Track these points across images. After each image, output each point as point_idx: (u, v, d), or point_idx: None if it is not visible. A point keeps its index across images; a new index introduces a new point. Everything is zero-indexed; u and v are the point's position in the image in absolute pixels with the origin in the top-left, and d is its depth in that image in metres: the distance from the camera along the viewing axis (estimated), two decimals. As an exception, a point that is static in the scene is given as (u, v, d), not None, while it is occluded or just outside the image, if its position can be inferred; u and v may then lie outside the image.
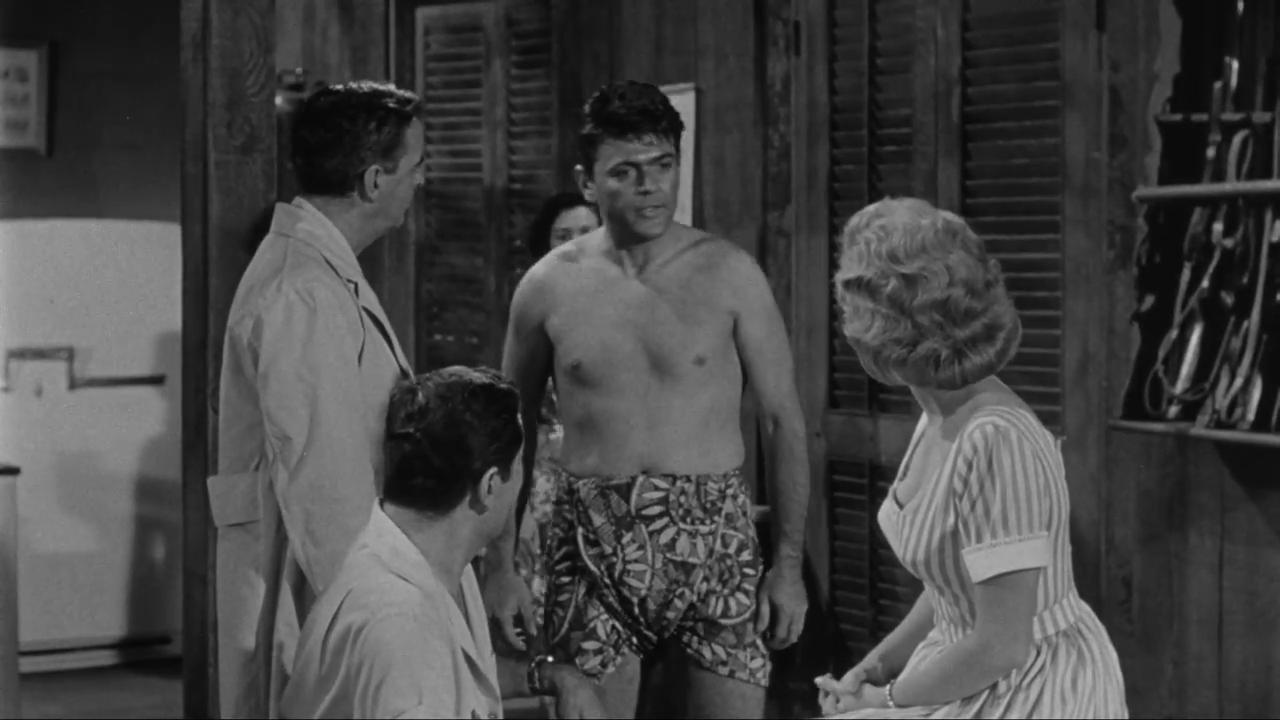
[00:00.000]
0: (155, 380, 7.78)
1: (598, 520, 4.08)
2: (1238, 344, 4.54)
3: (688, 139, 6.00)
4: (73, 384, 7.71)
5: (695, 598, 4.08)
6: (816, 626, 5.23)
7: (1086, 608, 3.33)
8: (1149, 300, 4.75)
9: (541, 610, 4.25)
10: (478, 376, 3.46)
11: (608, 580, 4.09)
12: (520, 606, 4.21)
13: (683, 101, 6.06)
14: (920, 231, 3.22)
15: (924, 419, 3.39)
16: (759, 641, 4.13)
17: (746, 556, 4.13)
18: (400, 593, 3.30)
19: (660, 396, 4.06)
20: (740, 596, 4.11)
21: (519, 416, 3.48)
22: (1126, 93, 4.89)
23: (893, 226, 3.23)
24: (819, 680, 3.59)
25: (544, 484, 5.62)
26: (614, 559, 4.08)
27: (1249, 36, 4.62)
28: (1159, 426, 4.69)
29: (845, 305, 3.28)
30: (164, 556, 7.80)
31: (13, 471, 6.89)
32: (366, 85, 3.69)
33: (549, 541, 4.21)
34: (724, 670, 4.08)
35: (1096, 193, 4.97)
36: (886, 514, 3.38)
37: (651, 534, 4.06)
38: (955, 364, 3.21)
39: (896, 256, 3.20)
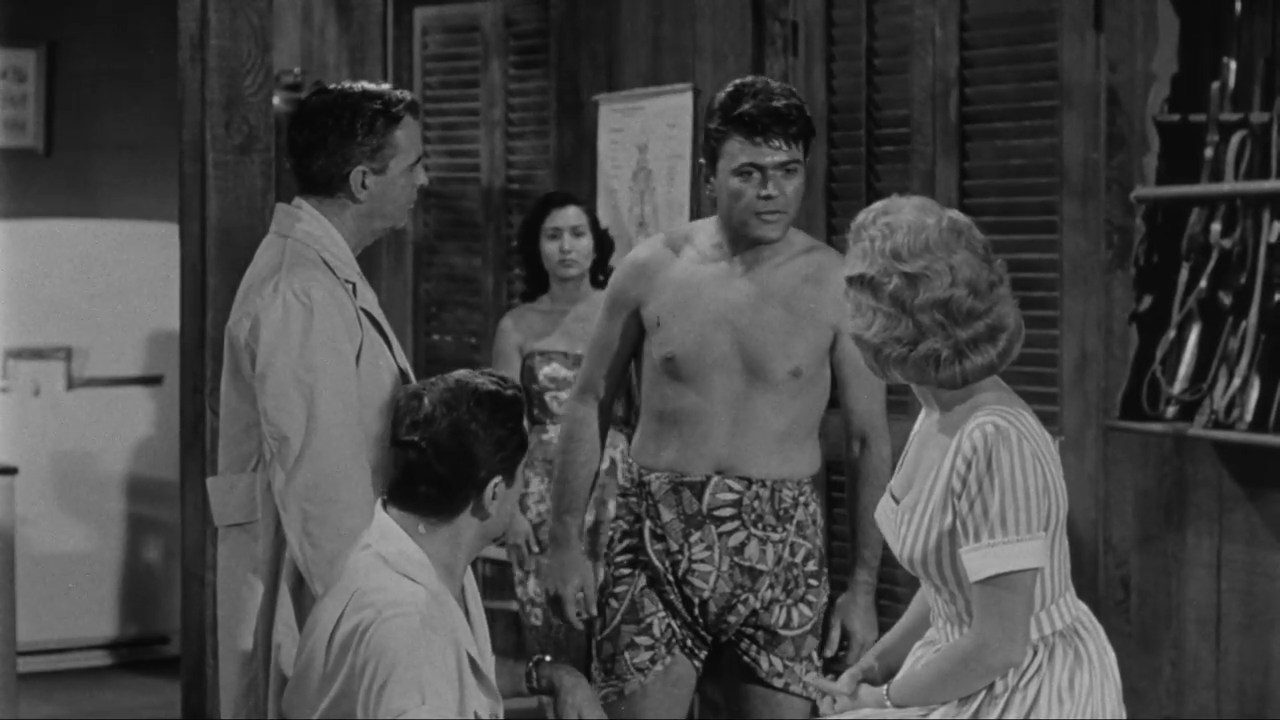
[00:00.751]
0: (153, 380, 7.78)
1: (667, 516, 4.01)
2: (1235, 344, 4.54)
3: (687, 140, 6.02)
4: (70, 384, 7.71)
5: (759, 604, 4.01)
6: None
7: (1084, 608, 3.33)
8: (1147, 300, 4.75)
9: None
10: (483, 382, 3.42)
11: (670, 577, 4.02)
12: (584, 586, 4.14)
13: (680, 102, 6.06)
14: (925, 230, 3.21)
15: (923, 414, 3.39)
16: (814, 654, 4.06)
17: (812, 567, 4.05)
18: (407, 592, 3.30)
19: (749, 401, 3.98)
20: (803, 608, 4.04)
21: (525, 423, 3.45)
22: (1124, 93, 4.89)
23: (898, 224, 3.23)
24: (817, 680, 3.59)
25: (537, 485, 5.61)
26: (679, 556, 4.00)
27: (1247, 37, 4.62)
28: (1157, 427, 4.69)
29: (848, 302, 3.27)
30: (161, 556, 7.80)
31: (10, 471, 6.88)
32: (360, 85, 3.65)
33: (611, 532, 4.14)
34: (779, 683, 4.02)
35: (1094, 193, 4.98)
36: (883, 510, 3.38)
37: (721, 535, 3.99)
38: (956, 364, 3.20)
39: (900, 255, 3.20)
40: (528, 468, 5.41)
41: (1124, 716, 3.31)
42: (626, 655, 4.03)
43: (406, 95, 3.66)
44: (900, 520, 3.30)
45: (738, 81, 3.99)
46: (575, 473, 4.16)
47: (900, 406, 5.48)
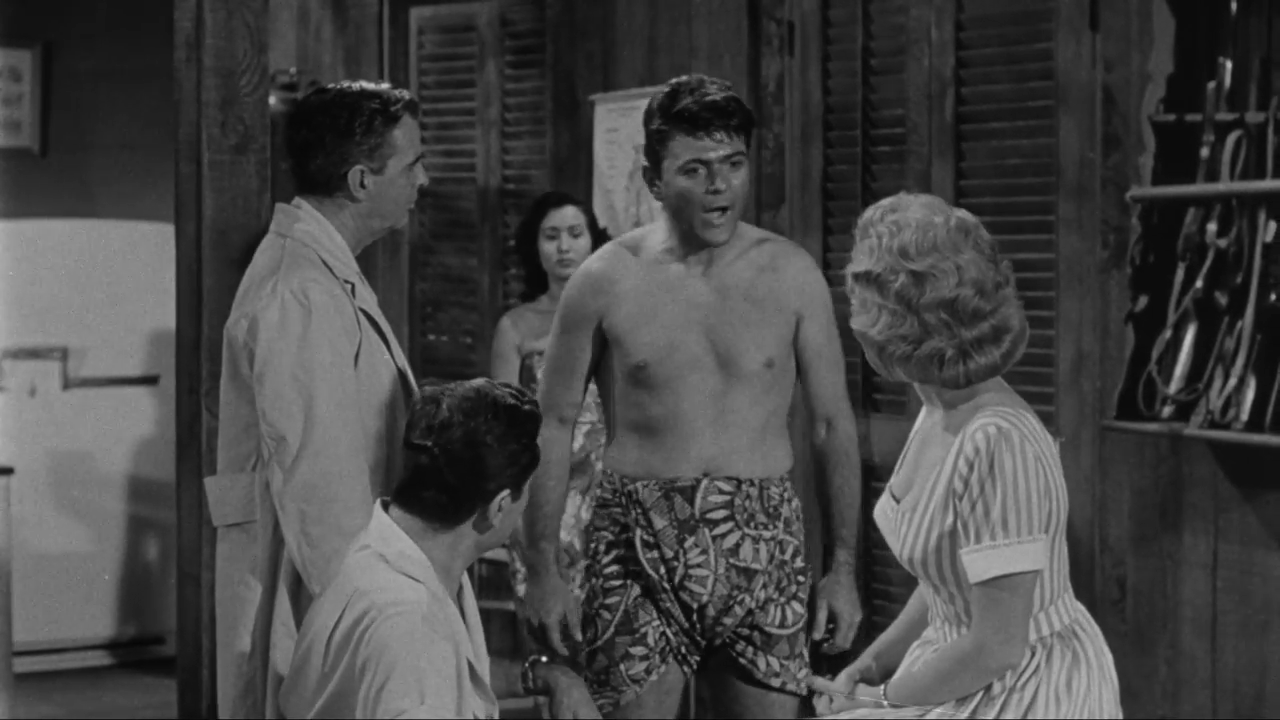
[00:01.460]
0: (149, 380, 7.77)
1: (659, 523, 3.98)
2: (1231, 344, 4.54)
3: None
4: (66, 384, 7.70)
5: (754, 604, 4.00)
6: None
7: (1082, 609, 3.33)
8: (1143, 300, 4.75)
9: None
10: (502, 395, 3.39)
11: (666, 585, 3.99)
12: (566, 612, 4.09)
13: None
14: (932, 229, 3.21)
15: (923, 413, 3.39)
16: (805, 651, 4.05)
17: (799, 563, 4.05)
18: (409, 591, 3.29)
19: (726, 398, 3.97)
20: (795, 605, 4.03)
21: (538, 440, 3.44)
22: (1120, 93, 4.89)
23: (905, 222, 3.22)
24: (813, 680, 3.59)
25: None
26: (675, 563, 3.97)
27: (1242, 37, 4.62)
28: (1153, 427, 4.69)
29: (853, 298, 3.26)
30: (158, 556, 7.80)
31: (7, 471, 6.89)
32: (358, 85, 3.65)
33: (593, 543, 4.10)
34: (776, 682, 4.01)
35: (1090, 193, 4.98)
36: (883, 509, 3.37)
37: (715, 538, 3.97)
38: (960, 364, 3.20)
39: (907, 253, 3.19)
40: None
41: (1121, 717, 3.31)
42: (622, 667, 4.01)
43: (405, 94, 3.66)
44: (900, 520, 3.30)
45: (673, 81, 3.97)
46: (546, 497, 4.08)
47: (899, 406, 5.50)
